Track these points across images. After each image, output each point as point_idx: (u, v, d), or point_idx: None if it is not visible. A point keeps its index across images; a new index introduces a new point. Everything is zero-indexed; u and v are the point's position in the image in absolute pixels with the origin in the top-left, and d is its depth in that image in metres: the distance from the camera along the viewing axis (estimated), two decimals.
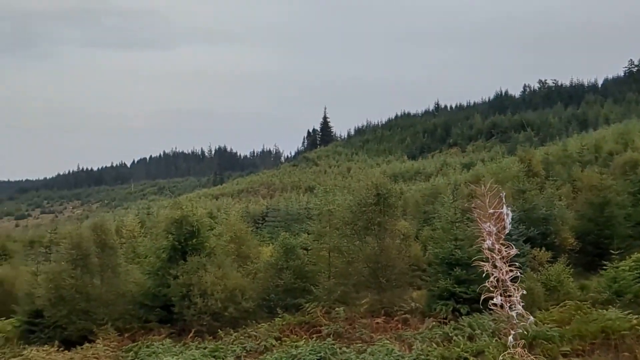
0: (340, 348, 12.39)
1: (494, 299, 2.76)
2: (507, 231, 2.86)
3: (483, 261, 2.89)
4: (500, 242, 2.83)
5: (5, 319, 19.97)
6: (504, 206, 2.84)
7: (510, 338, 2.71)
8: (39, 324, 16.31)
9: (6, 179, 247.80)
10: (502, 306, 2.72)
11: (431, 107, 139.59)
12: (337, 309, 15.17)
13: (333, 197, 19.69)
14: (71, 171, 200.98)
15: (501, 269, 2.77)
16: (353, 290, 16.48)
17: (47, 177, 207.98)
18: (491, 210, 2.84)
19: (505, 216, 2.86)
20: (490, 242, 2.83)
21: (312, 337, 13.65)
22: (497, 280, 2.77)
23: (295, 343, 13.12)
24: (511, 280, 2.77)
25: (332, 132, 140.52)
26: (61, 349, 14.77)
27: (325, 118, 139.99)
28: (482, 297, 2.84)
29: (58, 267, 17.22)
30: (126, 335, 15.50)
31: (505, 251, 2.82)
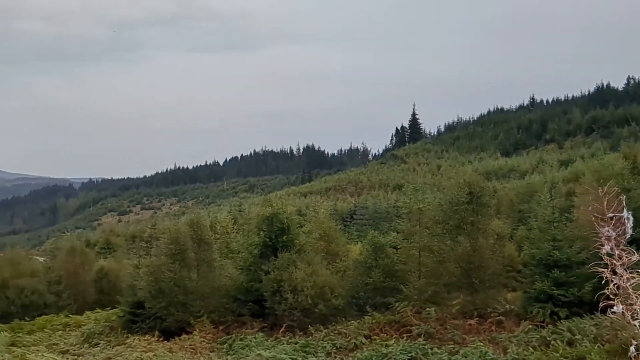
0: (431, 349, 12.18)
1: (615, 307, 2.57)
2: (627, 236, 2.66)
3: (600, 266, 2.70)
4: (621, 247, 2.64)
5: (110, 309, 21.28)
6: (625, 209, 2.64)
7: (632, 348, 2.51)
8: (141, 314, 17.19)
9: (110, 177, 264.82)
10: (623, 314, 2.53)
11: (526, 102, 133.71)
12: (427, 309, 14.90)
13: (423, 195, 19.36)
14: (169, 170, 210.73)
15: (622, 276, 2.57)
16: (444, 290, 16.13)
17: (147, 176, 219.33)
18: (610, 214, 2.65)
19: (626, 220, 2.66)
20: (609, 247, 2.63)
21: (402, 337, 13.49)
22: (617, 288, 2.58)
23: (385, 342, 13.04)
24: (633, 288, 2.57)
25: (421, 129, 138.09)
26: (161, 338, 15.54)
27: (414, 115, 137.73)
28: (601, 305, 2.65)
29: (158, 260, 18.06)
30: (221, 327, 16.02)
31: (627, 257, 2.61)
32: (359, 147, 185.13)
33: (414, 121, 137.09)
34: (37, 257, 43.73)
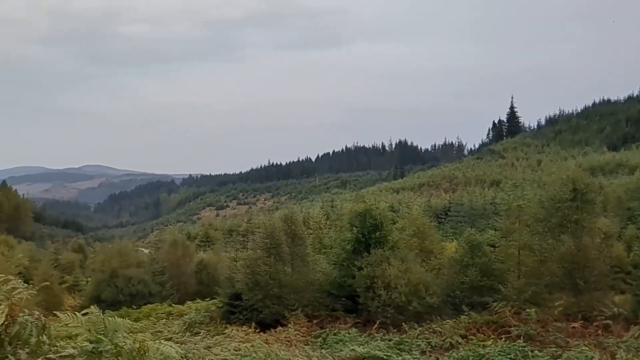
0: (532, 351, 11.70)
1: None
2: None
3: None
4: None
5: (209, 300, 22.20)
6: None
7: None
8: (238, 306, 17.80)
9: (208, 174, 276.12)
10: None
11: (635, 92, 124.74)
12: (527, 310, 14.31)
13: (522, 191, 18.60)
14: (263, 166, 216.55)
15: None
16: (545, 291, 15.41)
17: (242, 172, 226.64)
18: None
19: None
20: None
21: (501, 338, 13.05)
22: None
23: (483, 342, 12.68)
24: None
25: (519, 122, 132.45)
26: (257, 330, 16.01)
27: (512, 108, 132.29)
28: None
29: (254, 254, 18.60)
30: (314, 321, 16.25)
31: None
32: (453, 142, 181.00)
33: (512, 114, 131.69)
34: (143, 249, 46.46)
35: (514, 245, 16.58)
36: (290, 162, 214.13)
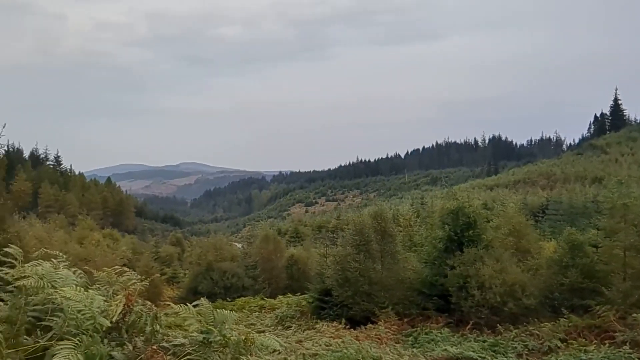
0: (638, 358, 11.00)
1: None
2: None
3: None
4: None
5: (300, 295, 22.62)
6: None
7: None
8: (328, 301, 18.00)
9: (298, 170, 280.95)
10: None
11: None
12: (634, 314, 13.45)
13: (628, 189, 17.47)
14: (351, 163, 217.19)
15: None
16: None
17: (331, 168, 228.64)
18: None
19: None
20: None
21: (604, 343, 12.35)
22: None
23: (584, 347, 12.06)
24: None
25: (624, 115, 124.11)
26: (347, 326, 16.13)
27: (616, 100, 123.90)
28: None
29: (343, 251, 18.73)
30: (405, 320, 16.14)
31: None
32: (551, 137, 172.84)
33: (616, 107, 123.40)
34: (236, 243, 47.98)
35: (619, 246, 15.60)
36: (379, 158, 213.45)
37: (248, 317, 19.74)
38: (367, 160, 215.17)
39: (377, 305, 16.69)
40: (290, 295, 23.99)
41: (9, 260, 2.97)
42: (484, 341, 13.14)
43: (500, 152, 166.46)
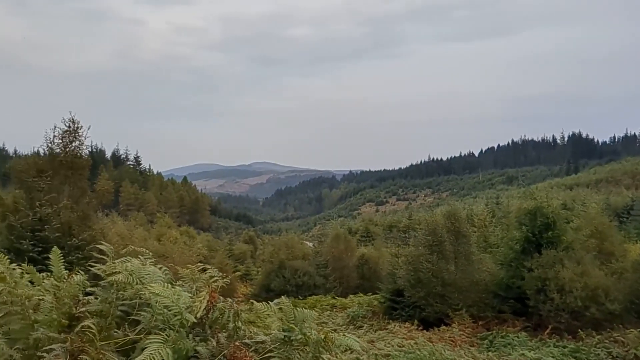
0: None
1: None
2: None
3: None
4: None
5: (371, 295, 22.56)
6: None
7: None
8: (400, 302, 17.85)
9: (368, 170, 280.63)
10: None
11: None
12: None
13: None
14: (423, 161, 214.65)
15: None
16: None
17: (402, 167, 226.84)
18: None
19: None
20: None
21: None
22: None
23: None
24: None
25: None
26: (420, 327, 15.94)
27: None
28: None
29: (416, 251, 18.51)
30: (480, 322, 15.76)
31: None
32: (636, 134, 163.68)
33: None
34: (307, 242, 48.47)
35: None
36: (451, 157, 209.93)
37: (319, 315, 19.87)
38: (439, 158, 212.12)
39: (451, 307, 16.40)
40: (361, 294, 23.97)
41: (100, 256, 3.15)
42: (564, 347, 12.62)
43: (580, 150, 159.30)
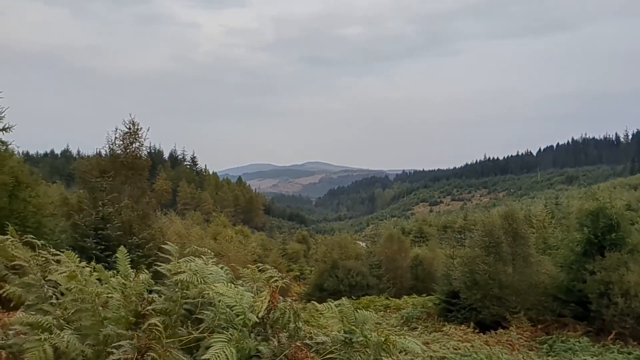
0: None
1: None
2: None
3: None
4: None
5: (425, 296, 22.31)
6: None
7: None
8: (456, 304, 17.58)
9: (421, 169, 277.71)
10: None
11: None
12: None
13: None
14: (478, 161, 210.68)
15: None
16: None
17: (457, 167, 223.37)
18: None
19: None
20: None
21: None
22: None
23: None
24: None
25: None
26: (476, 330, 15.65)
27: None
28: None
29: (472, 252, 18.18)
30: (539, 326, 15.35)
31: None
32: None
33: None
34: (359, 242, 48.40)
35: None
36: (508, 156, 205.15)
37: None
38: (495, 158, 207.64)
39: (508, 310, 16.03)
40: (415, 295, 23.76)
41: (165, 255, 3.26)
42: (629, 353, 12.13)
43: None
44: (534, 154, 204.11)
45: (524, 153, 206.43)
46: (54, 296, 3.41)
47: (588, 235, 16.12)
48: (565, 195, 74.07)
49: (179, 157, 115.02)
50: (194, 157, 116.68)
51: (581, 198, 23.63)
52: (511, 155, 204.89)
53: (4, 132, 11.00)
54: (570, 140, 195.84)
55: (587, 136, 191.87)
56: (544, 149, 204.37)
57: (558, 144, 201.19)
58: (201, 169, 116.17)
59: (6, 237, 4.97)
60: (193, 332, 2.91)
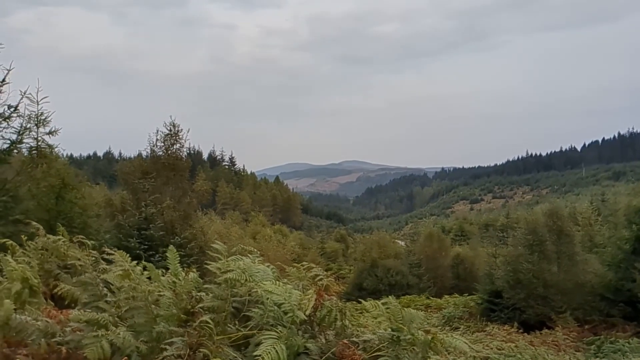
0: None
1: None
2: None
3: None
4: None
5: (467, 295, 22.08)
6: None
7: None
8: (499, 304, 17.36)
9: (461, 167, 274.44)
10: None
11: None
12: None
13: None
14: (520, 157, 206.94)
15: None
16: None
17: (497, 164, 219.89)
18: None
19: None
20: None
21: None
22: None
23: None
24: None
25: None
26: (520, 330, 15.42)
27: None
28: None
29: (515, 251, 17.93)
30: (586, 326, 15.04)
31: None
32: None
33: None
34: (398, 241, 48.20)
35: None
36: (551, 152, 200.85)
37: None
38: (538, 154, 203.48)
39: (554, 310, 15.76)
40: (456, 295, 23.55)
41: (215, 254, 3.36)
42: None
43: None
44: (578, 149, 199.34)
45: (567, 149, 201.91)
46: (108, 294, 3.56)
47: (637, 232, 15.73)
48: (611, 191, 72.08)
49: (218, 157, 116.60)
50: (232, 158, 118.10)
51: (629, 194, 22.96)
52: (554, 151, 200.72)
53: (51, 135, 11.34)
54: (616, 135, 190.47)
55: (635, 131, 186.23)
56: (588, 144, 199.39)
57: (603, 138, 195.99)
58: (239, 169, 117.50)
59: (58, 237, 5.17)
60: (241, 329, 2.99)
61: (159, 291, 3.26)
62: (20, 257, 4.43)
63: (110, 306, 3.32)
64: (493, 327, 15.90)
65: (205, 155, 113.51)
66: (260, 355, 2.49)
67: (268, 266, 3.47)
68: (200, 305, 3.10)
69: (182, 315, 3.13)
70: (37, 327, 3.04)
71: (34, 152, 11.26)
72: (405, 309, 3.12)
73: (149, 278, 3.60)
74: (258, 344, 2.65)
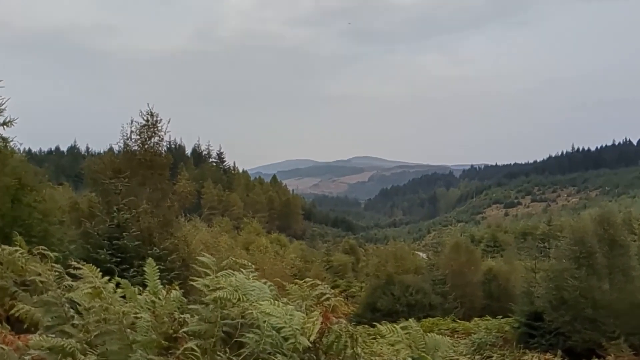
0: None
1: None
2: None
3: None
4: None
5: (501, 318, 22.06)
6: None
7: None
8: (539, 327, 17.34)
9: (494, 164, 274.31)
10: None
11: None
12: None
13: None
14: (565, 152, 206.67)
15: None
16: None
17: (537, 160, 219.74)
18: None
19: None
20: None
21: None
22: None
23: None
24: None
25: None
26: (564, 359, 15.43)
27: None
28: None
29: (558, 264, 17.90)
30: None
31: None
32: None
33: None
34: (419, 253, 48.18)
35: None
36: (602, 146, 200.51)
37: None
38: (586, 149, 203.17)
39: (605, 335, 15.74)
40: (488, 317, 23.49)
41: (203, 269, 3.36)
42: None
43: None
44: (634, 142, 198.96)
45: (621, 142, 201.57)
46: (75, 316, 3.57)
47: None
48: None
49: (204, 153, 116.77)
50: (221, 153, 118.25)
51: None
52: (606, 145, 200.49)
53: (5, 126, 11.29)
54: None
55: None
56: None
57: None
58: (229, 167, 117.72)
59: (14, 248, 5.19)
60: (233, 358, 3.00)
61: (135, 312, 3.27)
62: None
63: (78, 330, 3.34)
64: (532, 356, 15.92)
65: (188, 151, 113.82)
66: None
67: (265, 283, 3.48)
68: (185, 329, 3.11)
69: (162, 342, 3.14)
70: None
71: None
72: (428, 334, 3.12)
73: (123, 297, 3.61)
74: None
